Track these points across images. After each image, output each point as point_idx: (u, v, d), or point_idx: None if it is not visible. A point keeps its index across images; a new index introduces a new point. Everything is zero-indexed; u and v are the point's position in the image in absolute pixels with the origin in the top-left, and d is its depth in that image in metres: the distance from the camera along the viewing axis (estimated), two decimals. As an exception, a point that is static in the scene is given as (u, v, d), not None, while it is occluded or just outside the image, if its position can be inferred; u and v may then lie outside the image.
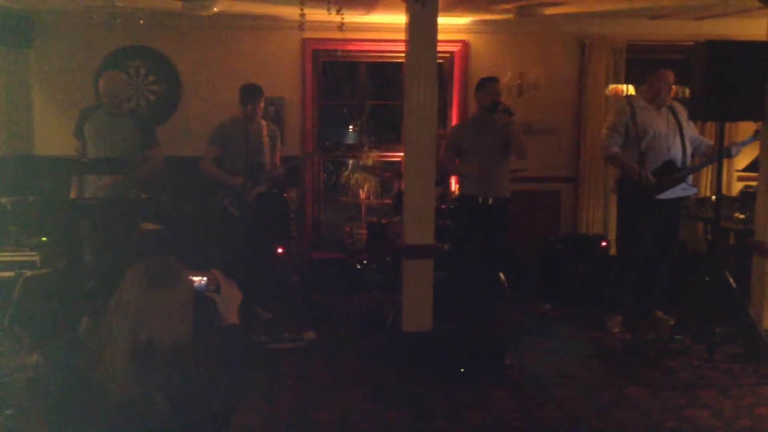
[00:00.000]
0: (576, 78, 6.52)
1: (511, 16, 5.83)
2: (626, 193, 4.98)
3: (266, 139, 5.16)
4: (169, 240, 5.27)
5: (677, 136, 4.89)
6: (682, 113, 4.93)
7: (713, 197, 4.76)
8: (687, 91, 5.85)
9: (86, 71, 5.95)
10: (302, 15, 4.59)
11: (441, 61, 6.34)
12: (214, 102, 6.00)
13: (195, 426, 1.88)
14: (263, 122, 5.20)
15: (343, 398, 3.89)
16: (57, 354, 4.06)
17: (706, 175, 6.50)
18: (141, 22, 5.30)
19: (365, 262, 5.96)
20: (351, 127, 13.62)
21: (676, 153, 4.88)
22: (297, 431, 3.51)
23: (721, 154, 4.42)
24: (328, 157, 7.10)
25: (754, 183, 5.22)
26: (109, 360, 1.82)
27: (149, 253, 4.75)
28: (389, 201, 6.25)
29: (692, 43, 4.53)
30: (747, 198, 5.45)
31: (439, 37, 4.75)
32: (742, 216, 5.31)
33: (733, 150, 4.83)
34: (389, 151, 6.75)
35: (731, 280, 4.28)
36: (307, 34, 5.98)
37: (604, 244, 5.89)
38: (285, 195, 5.60)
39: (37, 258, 4.76)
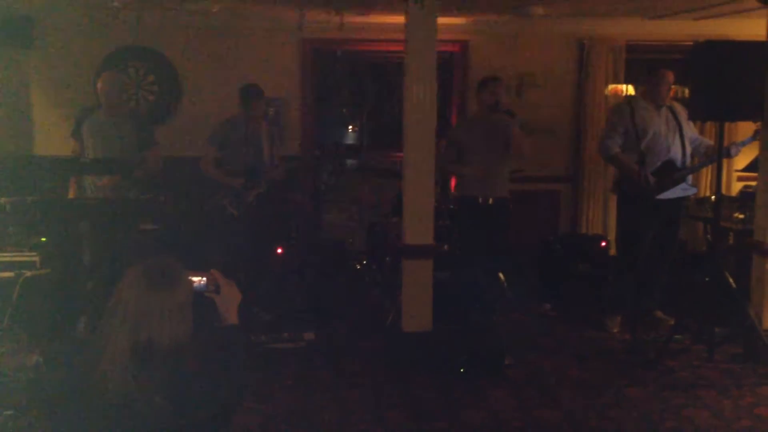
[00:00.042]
0: (575, 78, 6.52)
1: (510, 16, 5.83)
2: (626, 194, 4.98)
3: (266, 140, 5.16)
4: (169, 240, 5.27)
5: (677, 136, 4.89)
6: (682, 113, 4.93)
7: (713, 197, 4.75)
8: (687, 91, 5.86)
9: (86, 71, 5.95)
10: (302, 15, 4.59)
11: (440, 61, 6.33)
12: (214, 102, 6.00)
13: (195, 426, 1.88)
14: (263, 123, 5.19)
15: (343, 398, 3.88)
16: (56, 354, 4.06)
17: (706, 175, 6.50)
18: (140, 22, 5.30)
19: (365, 262, 5.96)
20: (351, 127, 13.62)
21: (676, 153, 4.88)
22: (297, 431, 3.51)
23: (720, 154, 4.42)
24: (327, 158, 7.10)
25: (753, 183, 5.22)
26: (109, 360, 1.82)
27: (148, 253, 4.75)
28: (389, 201, 6.25)
29: (692, 43, 4.55)
30: (747, 198, 5.45)
31: (439, 37, 4.75)
32: (741, 216, 5.31)
33: (733, 150, 4.83)
34: (388, 151, 6.75)
35: (731, 280, 4.28)
36: (307, 35, 6.00)
37: (603, 244, 5.89)
38: (285, 196, 5.59)
39: (36, 258, 4.76)
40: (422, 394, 3.94)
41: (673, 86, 5.02)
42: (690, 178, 5.00)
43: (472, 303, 5.07)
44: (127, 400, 1.79)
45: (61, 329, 4.60)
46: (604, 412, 3.70)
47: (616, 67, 6.46)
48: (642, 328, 4.83)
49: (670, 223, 4.99)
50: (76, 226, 4.81)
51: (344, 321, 5.29)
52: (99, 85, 4.78)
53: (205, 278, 2.06)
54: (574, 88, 6.54)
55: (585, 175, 6.54)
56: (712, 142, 5.17)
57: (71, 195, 4.86)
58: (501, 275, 5.52)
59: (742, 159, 5.79)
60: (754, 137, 4.85)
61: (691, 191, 5.08)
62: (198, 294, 2.02)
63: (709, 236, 5.69)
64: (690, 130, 5.02)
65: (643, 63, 6.18)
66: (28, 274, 4.65)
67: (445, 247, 5.32)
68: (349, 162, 6.72)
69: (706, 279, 4.29)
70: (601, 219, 6.57)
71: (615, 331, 5.02)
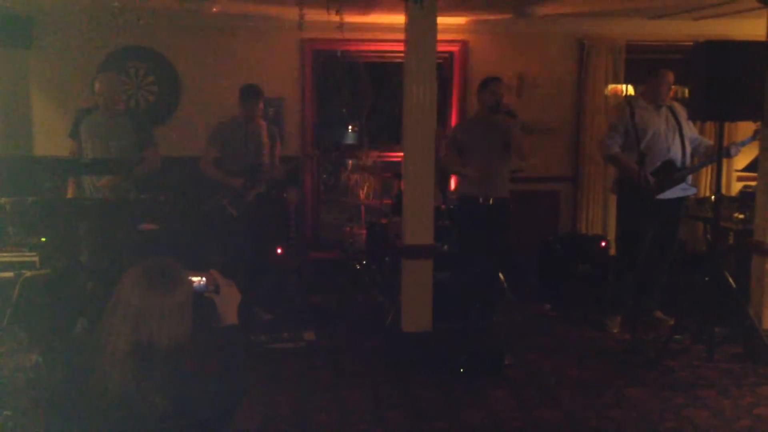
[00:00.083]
0: (575, 78, 6.52)
1: (510, 16, 5.83)
2: (626, 193, 4.98)
3: (266, 140, 5.16)
4: (168, 240, 5.26)
5: (677, 136, 4.89)
6: (682, 113, 4.93)
7: (713, 197, 4.75)
8: (686, 91, 5.86)
9: (86, 71, 5.94)
10: (301, 15, 4.59)
11: (440, 61, 6.34)
12: (214, 102, 6.00)
13: (195, 426, 1.88)
14: (262, 123, 5.19)
15: (343, 398, 3.88)
16: (56, 355, 4.06)
17: (706, 175, 6.50)
18: (141, 22, 5.30)
19: (364, 262, 5.96)
20: (350, 127, 13.62)
21: (676, 153, 4.88)
22: (297, 431, 3.51)
23: (720, 154, 4.42)
24: (327, 158, 7.10)
25: (753, 183, 5.23)
26: (109, 360, 1.82)
27: (148, 253, 4.75)
28: (389, 201, 6.25)
29: (691, 43, 4.55)
30: (746, 198, 5.46)
31: (439, 37, 4.75)
32: (741, 216, 5.31)
33: (733, 150, 4.83)
34: (388, 151, 6.76)
35: (731, 280, 4.28)
36: (307, 35, 5.99)
37: (603, 244, 5.89)
38: (284, 195, 5.59)
39: (36, 258, 4.76)
40: (422, 394, 3.94)
41: (673, 86, 5.02)
42: (690, 178, 5.00)
43: (472, 303, 5.07)
44: (127, 400, 1.79)
45: (61, 329, 4.60)
46: (604, 412, 3.70)
47: (615, 67, 6.46)
48: (642, 328, 4.83)
49: (670, 223, 4.99)
50: (76, 227, 4.81)
51: (344, 321, 5.30)
52: (97, 85, 4.78)
53: (204, 278, 2.06)
54: (573, 88, 6.54)
55: (585, 175, 6.54)
56: (711, 142, 5.17)
57: (70, 195, 4.86)
58: (501, 275, 5.52)
59: (742, 159, 5.79)
60: (753, 137, 4.86)
61: (691, 191, 5.08)
62: (198, 294, 2.02)
63: (708, 236, 5.70)
64: (690, 130, 5.02)
65: (643, 63, 6.18)
66: (28, 274, 4.65)
67: (445, 247, 5.32)
68: (349, 162, 6.71)
69: (706, 279, 4.29)
70: (601, 219, 6.57)
71: (615, 331, 5.02)
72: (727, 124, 4.81)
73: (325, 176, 6.55)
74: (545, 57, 6.47)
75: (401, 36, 4.89)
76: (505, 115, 4.87)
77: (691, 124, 5.05)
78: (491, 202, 5.02)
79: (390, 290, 5.31)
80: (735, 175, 6.40)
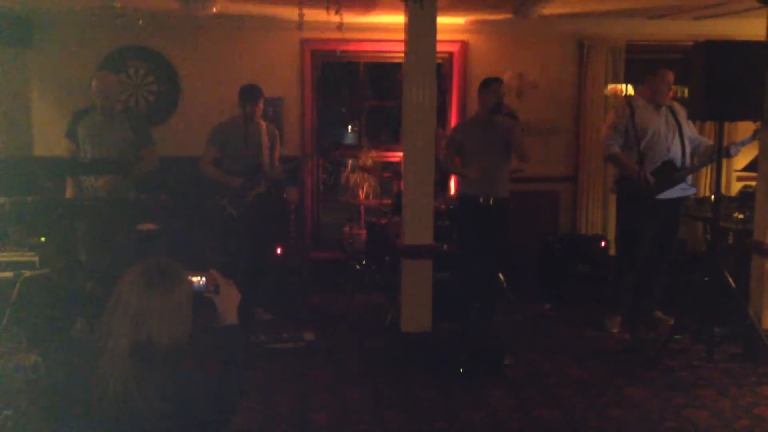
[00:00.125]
0: (575, 78, 6.52)
1: (509, 16, 5.83)
2: (625, 193, 4.98)
3: (265, 140, 5.16)
4: (168, 240, 5.26)
5: (676, 136, 4.90)
6: (682, 113, 4.93)
7: (712, 197, 4.76)
8: (686, 91, 5.86)
9: (85, 71, 5.94)
10: (301, 15, 4.59)
11: (440, 61, 6.34)
12: (213, 102, 6.01)
13: (195, 426, 1.88)
14: (262, 123, 5.19)
15: (343, 398, 3.88)
16: (56, 354, 4.06)
17: (706, 175, 6.50)
18: (140, 22, 5.30)
19: (364, 262, 5.96)
20: (350, 127, 13.63)
21: (676, 153, 4.89)
22: (297, 431, 3.51)
23: (720, 153, 4.42)
24: (327, 158, 7.11)
25: (753, 183, 5.23)
26: (108, 360, 1.82)
27: (148, 253, 4.75)
28: (388, 201, 6.25)
29: (691, 43, 4.55)
30: (746, 198, 5.45)
31: (438, 37, 4.75)
32: (741, 216, 5.31)
33: (732, 150, 4.83)
34: (388, 151, 6.76)
35: (730, 280, 4.28)
36: (306, 35, 5.99)
37: (603, 244, 5.89)
38: (284, 195, 5.59)
39: (36, 258, 4.76)
40: (422, 394, 3.94)
41: (672, 86, 5.02)
42: (689, 177, 5.00)
43: (472, 303, 5.07)
44: (126, 400, 1.78)
45: (61, 329, 4.60)
46: (604, 411, 3.70)
47: (615, 67, 6.46)
48: (641, 328, 4.83)
49: (670, 223, 4.99)
50: (76, 227, 4.81)
51: (344, 321, 5.30)
52: (94, 84, 4.77)
53: (204, 278, 2.06)
54: (573, 88, 6.54)
55: (585, 175, 6.54)
56: (711, 142, 5.17)
57: (69, 195, 4.86)
58: (501, 275, 5.52)
59: (742, 159, 5.80)
60: (753, 137, 4.86)
61: (691, 191, 5.09)
62: (197, 294, 2.02)
63: (708, 236, 5.70)
64: (689, 130, 5.02)
65: (643, 63, 6.18)
66: (28, 274, 4.65)
67: (445, 247, 5.32)
68: (349, 162, 6.71)
69: (706, 279, 4.30)
70: (601, 219, 6.57)
71: (615, 331, 5.03)
72: (726, 124, 4.81)
73: (324, 176, 6.55)
74: (545, 57, 6.46)
75: (401, 36, 4.89)
76: (506, 116, 4.87)
77: (690, 124, 5.05)
78: (491, 202, 5.02)
79: (390, 290, 5.31)
80: (735, 175, 6.40)
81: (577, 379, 4.18)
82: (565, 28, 6.35)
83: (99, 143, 4.78)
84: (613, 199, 5.91)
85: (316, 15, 4.92)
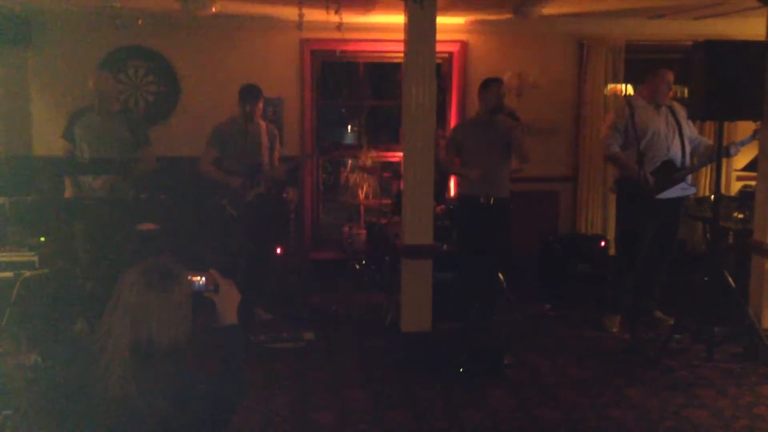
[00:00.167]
0: (575, 78, 6.53)
1: (509, 16, 5.83)
2: (625, 193, 4.98)
3: (265, 140, 5.16)
4: (168, 240, 5.26)
5: (676, 135, 4.90)
6: (681, 113, 4.93)
7: (712, 197, 4.76)
8: (686, 90, 5.85)
9: (84, 71, 5.93)
10: (301, 15, 4.59)
11: (440, 61, 6.34)
12: (213, 102, 6.00)
13: (194, 426, 1.88)
14: (262, 123, 5.19)
15: (343, 398, 3.88)
16: (56, 354, 4.06)
17: (705, 174, 6.50)
18: (139, 22, 5.30)
19: (364, 262, 5.96)
20: (350, 127, 13.63)
21: (675, 153, 4.89)
22: (297, 431, 3.51)
23: (719, 153, 4.42)
24: (326, 158, 7.11)
25: (752, 182, 5.23)
26: (108, 360, 1.82)
27: (148, 253, 4.75)
28: (388, 201, 6.25)
29: (691, 42, 4.54)
30: (746, 197, 5.45)
31: (438, 37, 4.75)
32: (741, 215, 5.31)
33: (732, 149, 4.83)
34: (388, 151, 6.76)
35: (730, 280, 4.28)
36: (306, 35, 5.99)
37: (603, 244, 5.89)
38: (284, 195, 5.59)
39: (35, 258, 4.76)
40: (422, 394, 3.94)
41: (672, 86, 5.02)
42: (689, 177, 5.00)
43: (472, 303, 5.07)
44: (126, 400, 1.78)
45: (60, 329, 4.60)
46: (604, 411, 3.71)
47: (615, 67, 6.46)
48: (641, 327, 4.83)
49: (670, 223, 4.99)
50: (75, 226, 4.81)
51: (344, 321, 5.30)
52: (91, 83, 4.77)
53: (204, 278, 2.06)
54: (573, 88, 6.54)
55: (584, 174, 6.54)
56: (711, 142, 5.17)
57: (68, 195, 4.86)
58: (501, 275, 5.52)
59: (742, 158, 5.79)
60: (753, 137, 4.85)
61: (691, 191, 5.09)
62: (197, 294, 2.02)
63: (708, 236, 5.70)
64: (689, 129, 5.02)
65: (643, 63, 6.18)
66: (27, 273, 4.66)
67: (444, 247, 5.32)
68: (349, 161, 6.71)
69: (706, 279, 4.30)
70: (601, 219, 6.57)
71: (614, 330, 5.03)
72: (726, 124, 4.81)
73: (324, 176, 6.54)
74: (545, 57, 6.47)
75: (401, 36, 4.89)
76: (508, 116, 4.88)
77: (690, 123, 5.05)
78: (492, 202, 5.02)
79: (390, 290, 5.31)
80: (734, 174, 6.41)
81: (577, 379, 4.18)
82: (565, 27, 6.36)
83: (97, 143, 4.77)
84: (613, 199, 5.91)
85: (315, 15, 4.92)
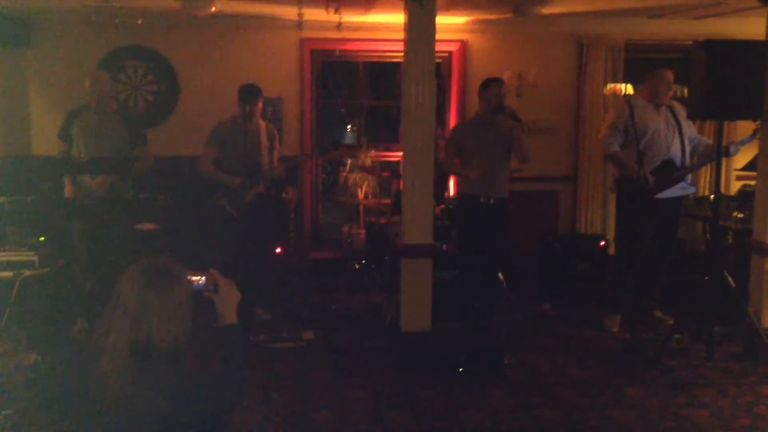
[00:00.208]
0: (574, 78, 6.53)
1: (509, 15, 5.83)
2: (625, 193, 4.98)
3: (265, 140, 5.15)
4: (168, 240, 5.26)
5: (676, 135, 4.90)
6: (681, 112, 4.93)
7: (712, 196, 4.76)
8: (686, 90, 5.85)
9: (84, 71, 5.93)
10: (300, 15, 4.59)
11: (439, 60, 6.34)
12: (212, 102, 6.00)
13: (194, 426, 1.88)
14: (262, 122, 5.19)
15: (343, 398, 3.88)
16: (55, 354, 4.06)
17: (705, 174, 6.51)
18: (139, 22, 5.30)
19: (364, 262, 5.95)
20: (349, 126, 13.61)
21: (675, 152, 4.88)
22: (297, 431, 3.51)
23: (719, 153, 4.42)
24: (326, 158, 7.10)
25: (752, 182, 5.22)
26: (108, 360, 1.82)
27: (148, 253, 4.75)
28: (388, 201, 6.24)
29: (691, 42, 4.54)
30: (745, 197, 5.45)
31: (438, 36, 4.74)
32: (740, 215, 5.31)
33: (732, 149, 4.83)
34: (388, 151, 6.75)
35: (730, 280, 4.28)
36: (306, 34, 6.00)
37: (602, 243, 5.89)
38: (283, 195, 5.59)
39: (35, 258, 4.76)
40: (421, 394, 3.94)
41: (672, 85, 5.02)
42: (689, 177, 5.00)
43: (472, 303, 5.07)
44: (126, 400, 1.78)
45: (60, 329, 4.60)
46: (604, 411, 3.70)
47: (615, 67, 6.46)
48: (641, 327, 4.83)
49: (669, 223, 4.99)
50: (74, 226, 4.81)
51: (344, 321, 5.30)
52: (88, 83, 4.76)
53: (204, 278, 2.05)
54: (573, 88, 6.54)
55: (584, 174, 6.54)
56: (711, 141, 5.17)
57: (67, 194, 4.86)
58: (501, 275, 5.52)
59: (741, 158, 5.79)
60: (753, 136, 4.85)
61: (690, 190, 5.09)
62: (197, 294, 2.02)
63: (708, 235, 5.70)
64: (689, 129, 5.02)
65: (642, 62, 6.18)
66: (27, 273, 4.66)
67: (444, 246, 5.32)
68: (348, 161, 6.70)
69: (705, 278, 4.30)
70: (601, 219, 6.57)
71: (614, 330, 5.03)
72: (726, 123, 4.81)
73: (324, 176, 6.52)
74: (545, 57, 6.46)
75: (400, 35, 4.89)
76: (509, 117, 4.87)
77: (690, 123, 5.05)
78: (491, 202, 5.02)
79: (389, 290, 5.31)
80: (734, 174, 6.40)
81: (577, 378, 4.17)
82: (565, 27, 6.36)
83: (94, 142, 4.77)
84: (612, 198, 5.91)
85: (315, 14, 4.92)
